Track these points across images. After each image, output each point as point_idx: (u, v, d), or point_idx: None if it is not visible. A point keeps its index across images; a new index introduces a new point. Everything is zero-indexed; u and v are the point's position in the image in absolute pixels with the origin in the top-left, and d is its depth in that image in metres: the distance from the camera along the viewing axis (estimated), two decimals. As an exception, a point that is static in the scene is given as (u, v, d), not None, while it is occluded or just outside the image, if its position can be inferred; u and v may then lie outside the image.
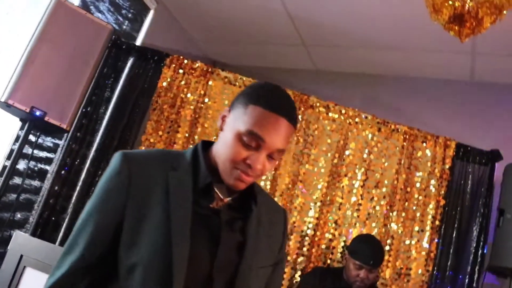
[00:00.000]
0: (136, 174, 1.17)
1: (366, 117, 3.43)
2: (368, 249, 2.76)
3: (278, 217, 1.37)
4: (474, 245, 3.21)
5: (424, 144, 3.39)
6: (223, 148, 1.19)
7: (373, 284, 2.84)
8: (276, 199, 3.30)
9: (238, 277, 1.17)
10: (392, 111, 3.93)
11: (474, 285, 3.13)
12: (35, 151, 3.27)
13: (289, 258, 3.24)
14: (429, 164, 3.35)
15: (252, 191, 1.26)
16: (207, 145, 1.29)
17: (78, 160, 3.40)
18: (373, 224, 3.30)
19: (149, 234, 1.12)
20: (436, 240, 3.23)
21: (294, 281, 3.19)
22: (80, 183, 3.41)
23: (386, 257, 3.20)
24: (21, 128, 3.10)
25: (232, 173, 1.17)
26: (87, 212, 1.18)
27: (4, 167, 3.03)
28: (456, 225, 3.27)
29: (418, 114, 3.92)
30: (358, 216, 3.31)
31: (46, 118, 2.95)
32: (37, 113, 2.90)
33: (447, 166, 3.33)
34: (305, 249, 3.26)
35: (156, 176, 1.17)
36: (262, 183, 3.34)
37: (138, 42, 3.91)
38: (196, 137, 3.45)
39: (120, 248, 1.14)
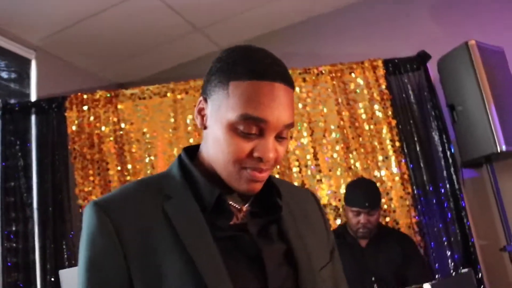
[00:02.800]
0: (122, 222, 0.89)
1: (286, 73, 3.26)
2: (360, 192, 2.64)
3: (309, 201, 1.13)
4: (440, 149, 3.13)
5: (353, 74, 3.26)
6: (217, 149, 0.92)
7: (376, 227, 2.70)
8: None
9: None
10: (310, 57, 3.78)
11: (456, 186, 3.06)
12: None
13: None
14: (365, 91, 3.23)
15: (269, 184, 1.00)
16: (191, 152, 1.02)
17: (21, 243, 3.11)
18: (338, 173, 3.17)
19: None
20: (403, 161, 3.13)
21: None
22: (37, 263, 3.13)
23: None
24: None
25: (241, 176, 0.91)
26: None
27: None
28: (415, 138, 3.19)
29: (336, 49, 3.78)
30: (320, 171, 3.17)
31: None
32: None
33: (383, 87, 3.21)
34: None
35: (150, 214, 0.91)
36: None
37: (34, 97, 3.60)
38: (129, 166, 3.22)
39: None
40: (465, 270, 2.28)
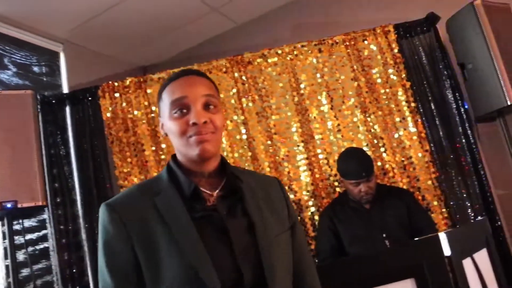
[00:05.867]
0: (126, 214, 1.20)
1: (302, 46, 3.43)
2: (354, 164, 2.78)
3: (271, 186, 1.41)
4: (454, 106, 3.28)
5: (366, 41, 3.40)
6: (173, 138, 1.26)
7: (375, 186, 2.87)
8: (260, 159, 3.36)
9: (262, 254, 1.20)
10: (325, 26, 3.91)
11: (472, 140, 3.22)
12: (28, 237, 3.25)
13: (302, 205, 3.30)
14: (379, 57, 3.38)
15: (231, 173, 1.31)
16: (176, 157, 1.33)
17: (70, 224, 3.39)
18: (359, 136, 3.35)
19: (166, 260, 1.15)
20: (419, 120, 3.28)
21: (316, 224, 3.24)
22: (85, 242, 3.42)
23: (388, 158, 3.27)
24: (3, 225, 3.07)
25: (191, 143, 1.21)
26: (102, 272, 1.21)
27: (7, 266, 3.01)
28: (430, 98, 3.33)
29: (349, 18, 3.89)
30: (342, 136, 3.35)
31: (19, 205, 2.91)
32: (8, 205, 2.85)
33: (396, 51, 3.35)
34: (310, 189, 3.31)
35: (145, 208, 1.21)
36: (240, 151, 3.39)
37: (65, 88, 3.82)
38: (163, 145, 3.44)
39: (147, 286, 1.17)
40: (480, 218, 2.45)
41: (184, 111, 1.22)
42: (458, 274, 1.86)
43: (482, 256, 2.27)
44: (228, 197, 1.28)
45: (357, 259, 2.19)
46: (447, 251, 1.87)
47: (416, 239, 2.03)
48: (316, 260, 2.93)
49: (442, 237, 1.88)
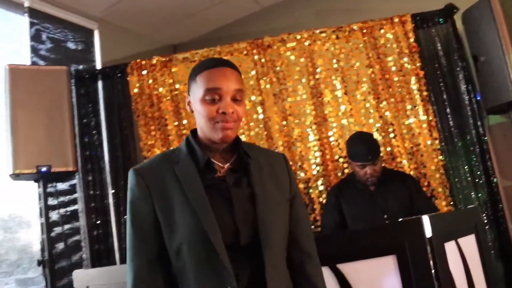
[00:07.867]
0: (150, 179, 1.42)
1: (321, 32, 3.56)
2: (361, 147, 2.90)
3: (277, 161, 1.59)
4: (467, 97, 3.36)
5: (382, 30, 3.51)
6: (200, 118, 1.43)
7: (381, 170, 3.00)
8: (275, 138, 3.57)
9: (258, 220, 1.40)
10: (349, 12, 4.00)
11: (481, 131, 3.31)
12: (60, 199, 3.57)
13: (311, 184, 3.49)
14: (395, 45, 3.48)
15: (243, 150, 1.49)
16: (195, 132, 1.53)
17: (98, 190, 3.70)
18: (371, 121, 3.49)
19: (181, 219, 1.37)
20: (430, 109, 3.39)
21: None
22: (111, 206, 3.73)
23: (397, 143, 3.41)
24: (39, 187, 3.38)
25: (216, 128, 1.39)
26: (127, 228, 1.43)
27: (42, 224, 3.33)
28: (443, 88, 3.42)
29: (372, 3, 3.98)
30: (354, 120, 3.50)
31: (52, 170, 3.21)
32: (43, 169, 3.15)
33: (411, 40, 3.44)
34: (320, 169, 3.50)
35: (166, 174, 1.43)
36: (256, 130, 3.61)
37: (99, 63, 4.09)
38: (184, 121, 3.69)
39: (165, 241, 1.40)
40: (471, 206, 2.53)
41: (216, 100, 1.39)
42: (437, 255, 1.99)
43: (469, 241, 2.39)
44: (236, 170, 1.47)
45: (346, 234, 2.37)
46: (428, 232, 2.00)
47: (400, 219, 2.18)
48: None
49: (425, 219, 2.03)
